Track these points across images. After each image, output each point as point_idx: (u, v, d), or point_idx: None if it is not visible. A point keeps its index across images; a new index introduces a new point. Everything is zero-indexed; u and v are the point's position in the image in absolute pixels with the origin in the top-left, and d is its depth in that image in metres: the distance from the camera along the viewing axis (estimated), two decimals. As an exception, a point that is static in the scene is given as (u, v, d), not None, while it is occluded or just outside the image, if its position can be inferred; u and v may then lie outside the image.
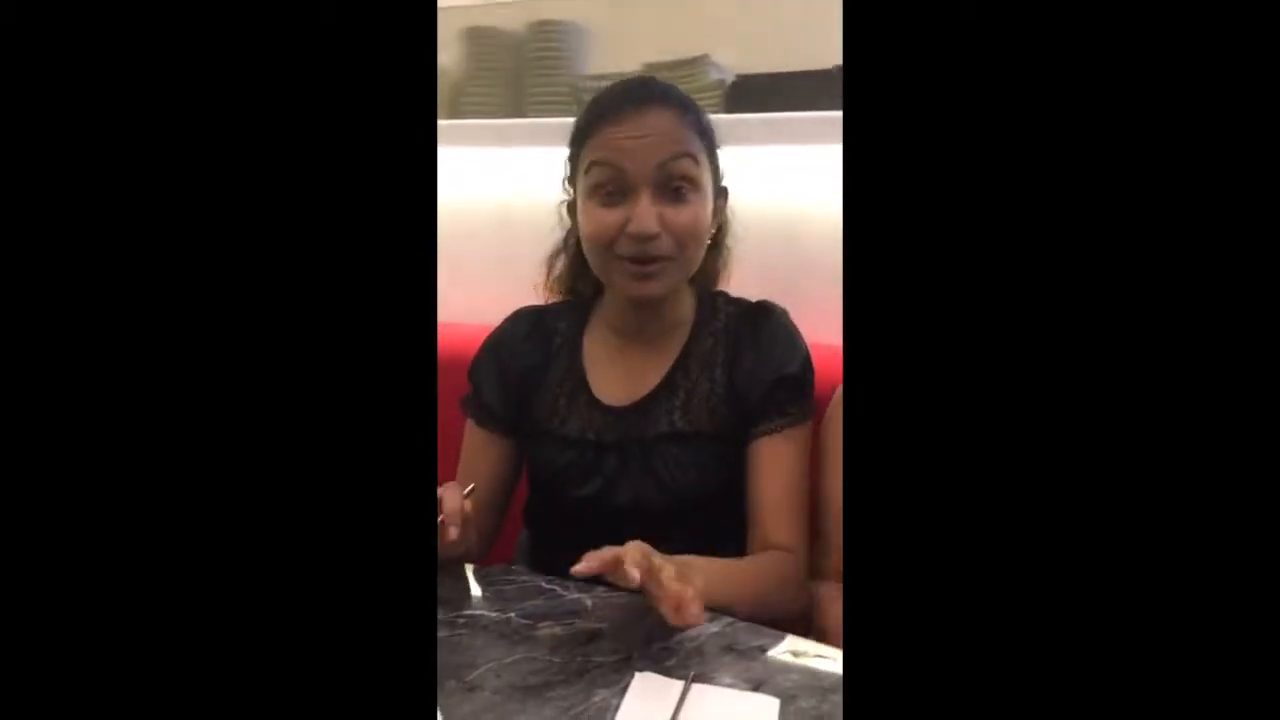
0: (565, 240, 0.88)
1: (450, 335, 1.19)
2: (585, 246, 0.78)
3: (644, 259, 0.73)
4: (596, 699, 0.51)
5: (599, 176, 0.74)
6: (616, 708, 0.50)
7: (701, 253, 0.78)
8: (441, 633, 0.58)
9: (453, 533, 0.62)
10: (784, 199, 1.16)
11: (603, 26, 1.31)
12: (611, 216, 0.73)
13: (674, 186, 0.73)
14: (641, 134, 0.72)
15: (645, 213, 0.71)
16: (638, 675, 0.53)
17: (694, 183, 0.74)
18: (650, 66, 1.22)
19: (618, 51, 1.27)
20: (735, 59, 1.18)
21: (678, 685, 0.52)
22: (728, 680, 0.53)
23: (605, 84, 1.21)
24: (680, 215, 0.73)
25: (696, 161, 0.74)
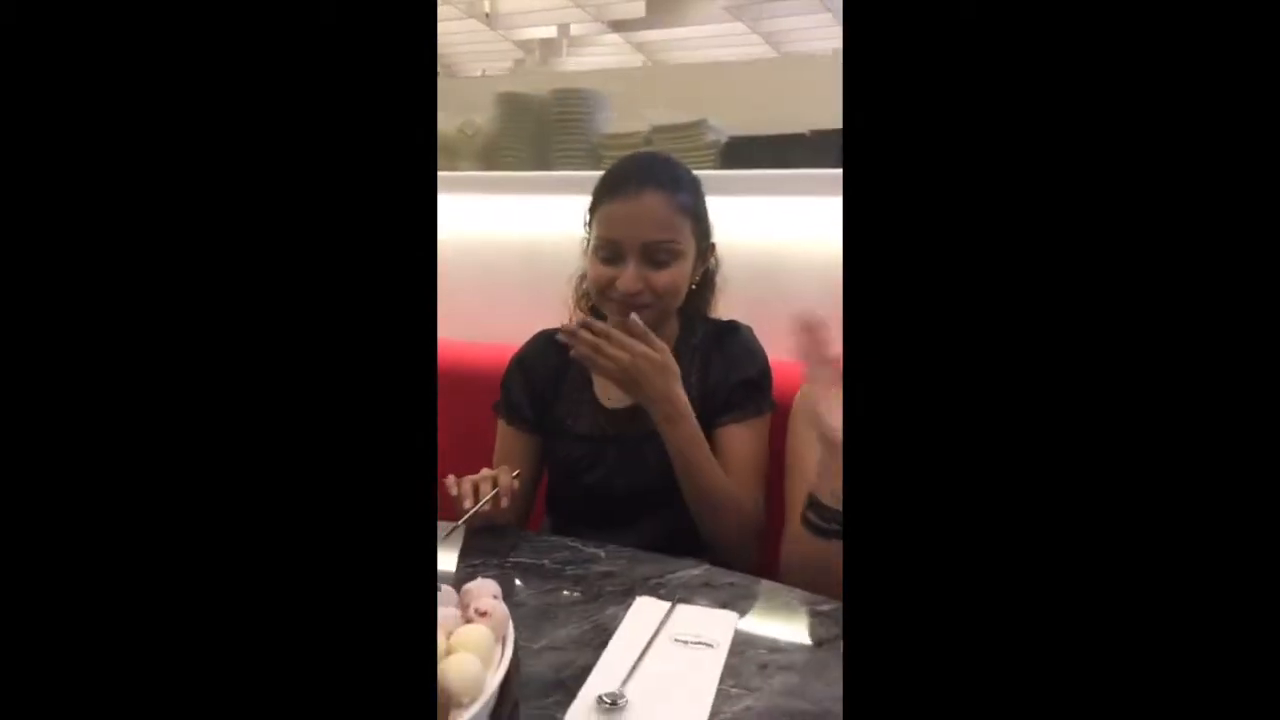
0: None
1: (483, 353, 1.40)
2: (588, 287, 0.99)
3: (629, 307, 0.93)
4: (607, 613, 0.70)
5: (600, 241, 0.95)
6: (621, 618, 0.69)
7: (678, 301, 0.97)
8: (491, 572, 0.77)
9: (504, 502, 0.83)
10: (767, 241, 1.36)
11: (616, 93, 1.53)
12: (607, 272, 0.94)
13: (657, 259, 0.93)
14: (635, 214, 0.93)
15: (631, 276, 0.92)
16: (638, 599, 0.72)
17: (674, 254, 0.94)
18: (656, 128, 1.42)
19: (629, 115, 1.48)
20: (729, 122, 1.39)
21: (665, 605, 0.71)
22: (703, 603, 0.72)
23: (618, 143, 1.44)
24: (660, 278, 0.93)
25: (678, 240, 0.94)
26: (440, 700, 0.48)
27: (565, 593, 0.74)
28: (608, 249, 0.94)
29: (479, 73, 1.91)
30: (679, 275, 0.95)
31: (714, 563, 0.81)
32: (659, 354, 0.89)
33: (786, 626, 0.71)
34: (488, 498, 0.83)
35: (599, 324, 0.89)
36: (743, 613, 0.70)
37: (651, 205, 0.93)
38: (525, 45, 2.07)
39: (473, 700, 0.49)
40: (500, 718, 0.52)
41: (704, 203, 1.01)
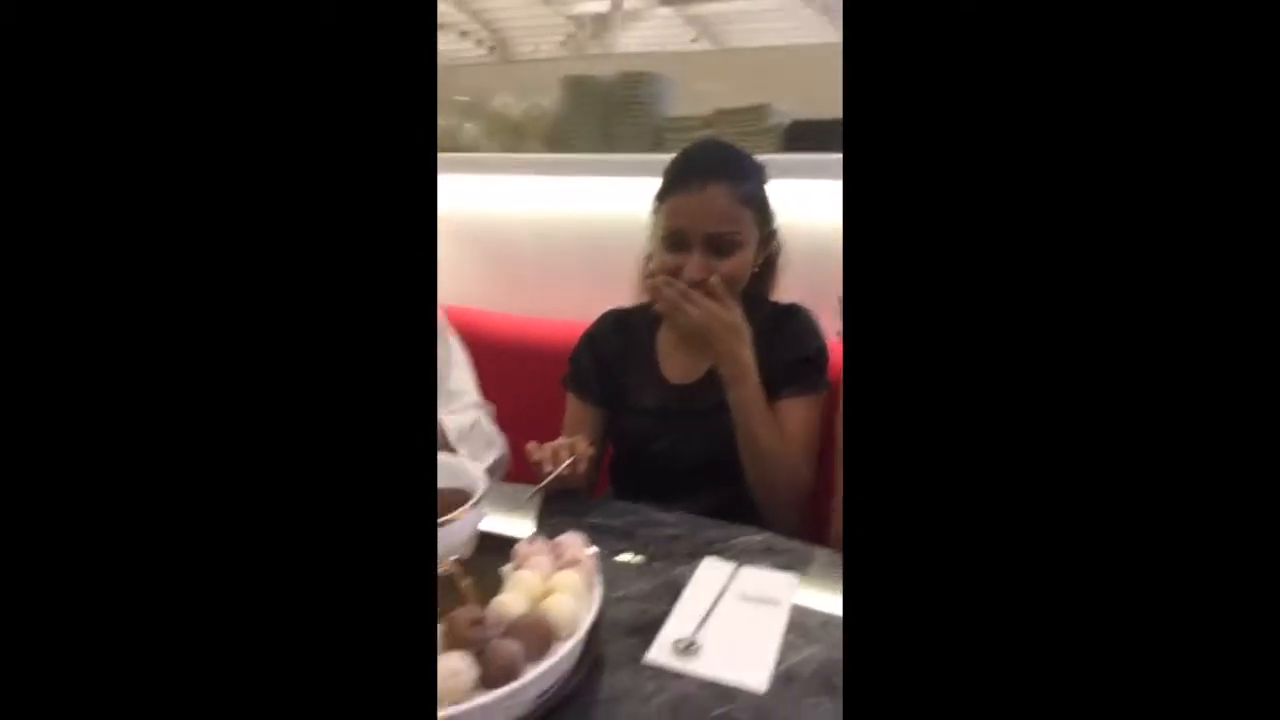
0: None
1: (548, 329, 1.47)
2: (654, 270, 1.04)
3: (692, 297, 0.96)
4: (676, 572, 0.76)
5: (666, 230, 1.00)
6: (689, 577, 0.75)
7: (740, 286, 1.01)
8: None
9: (582, 467, 0.89)
10: (828, 224, 1.38)
11: (681, 77, 1.56)
12: (674, 260, 0.99)
13: (721, 248, 0.98)
14: (700, 208, 0.98)
15: (697, 264, 0.97)
16: (705, 560, 0.78)
17: (737, 244, 0.99)
18: (720, 112, 1.45)
19: (693, 99, 1.52)
20: (792, 106, 1.42)
21: (731, 566, 0.77)
22: (766, 565, 0.77)
23: (681, 125, 1.47)
24: (723, 267, 0.98)
25: (741, 231, 0.99)
26: (541, 635, 0.55)
27: (631, 556, 0.81)
28: (674, 238, 1.00)
29: (531, 48, 1.95)
30: (742, 263, 1.00)
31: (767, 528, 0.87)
32: (732, 315, 0.95)
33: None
34: (566, 463, 0.90)
35: (680, 283, 0.95)
36: (803, 576, 0.75)
37: (715, 198, 0.98)
38: (578, 20, 2.10)
39: (570, 634, 0.56)
40: (590, 654, 0.59)
41: (765, 190, 1.05)
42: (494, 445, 1.11)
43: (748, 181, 1.02)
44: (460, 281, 1.72)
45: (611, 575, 0.75)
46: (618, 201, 1.52)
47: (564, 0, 1.83)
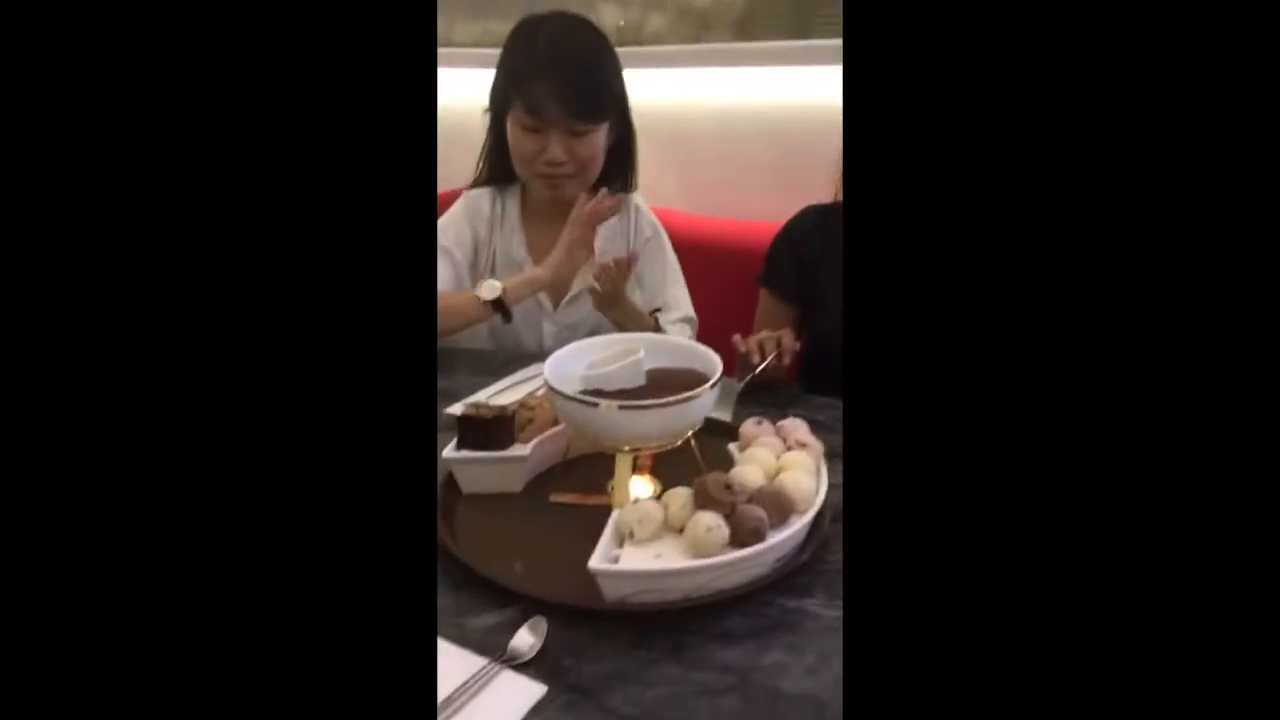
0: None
1: (731, 229, 1.47)
2: None
3: None
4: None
5: None
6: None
7: None
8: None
9: (787, 359, 0.92)
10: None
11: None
12: None
13: None
14: None
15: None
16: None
17: None
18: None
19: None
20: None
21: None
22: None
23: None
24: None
25: None
26: (782, 505, 0.58)
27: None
28: None
29: None
30: None
31: None
32: None
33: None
34: (772, 355, 0.92)
35: None
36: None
37: None
38: None
39: (808, 507, 0.59)
40: (820, 528, 0.63)
41: None
42: None
43: None
44: (648, 183, 1.74)
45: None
46: (814, 93, 1.45)
47: None
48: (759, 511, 0.56)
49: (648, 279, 1.18)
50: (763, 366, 0.91)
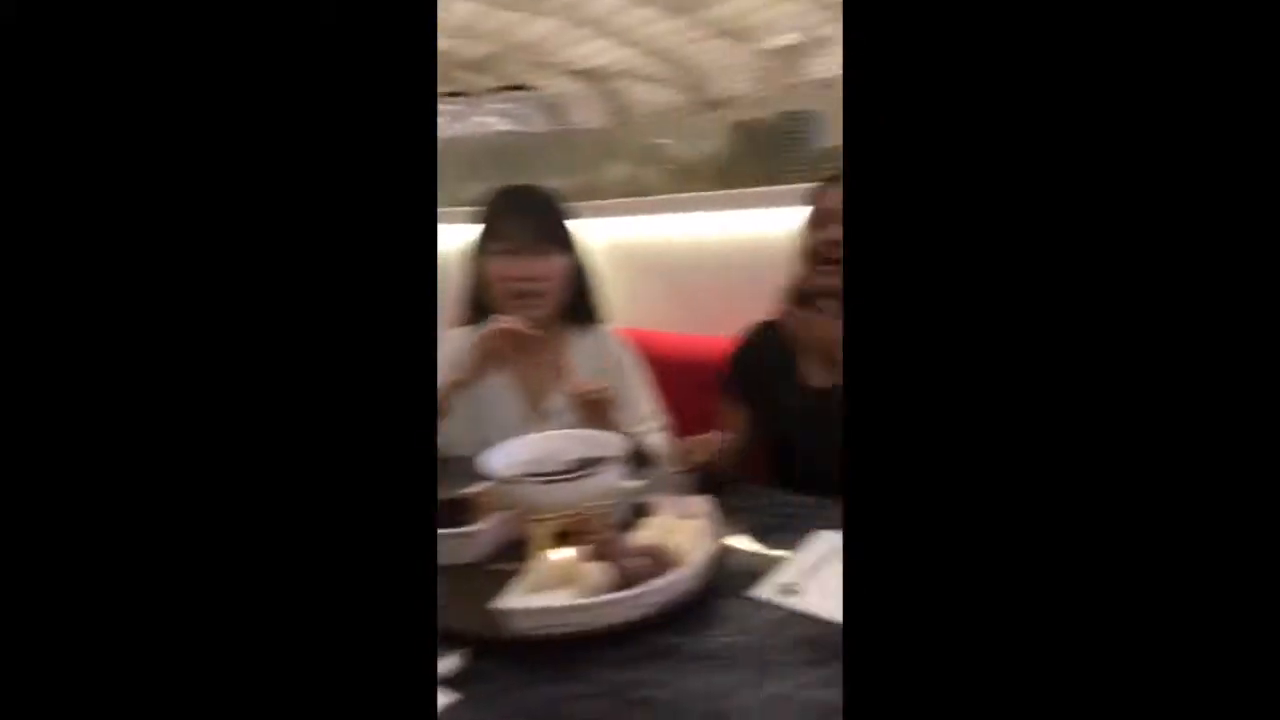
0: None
1: (711, 344, 1.64)
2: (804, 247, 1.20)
3: (835, 261, 1.15)
4: (796, 537, 0.90)
5: (815, 212, 1.19)
6: (806, 541, 0.88)
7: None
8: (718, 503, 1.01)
9: (721, 459, 1.07)
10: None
11: (835, 111, 1.69)
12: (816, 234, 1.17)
13: None
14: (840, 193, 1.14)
15: (837, 229, 1.13)
16: (822, 531, 0.91)
17: None
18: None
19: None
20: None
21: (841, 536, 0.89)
22: (875, 539, 0.88)
23: (835, 155, 1.59)
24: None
25: None
26: (663, 561, 0.72)
27: (774, 520, 0.95)
28: (819, 216, 1.18)
29: (727, 86, 2.15)
30: None
31: None
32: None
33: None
34: (711, 454, 1.07)
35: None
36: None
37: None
38: (770, 54, 2.26)
39: (687, 564, 0.73)
40: (703, 586, 0.75)
41: None
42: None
43: None
44: (644, 308, 1.96)
45: (737, 537, 0.91)
46: (781, 228, 1.66)
47: (756, 37, 1.99)
48: (643, 560, 0.70)
49: (625, 397, 1.36)
50: (697, 464, 1.06)
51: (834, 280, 1.13)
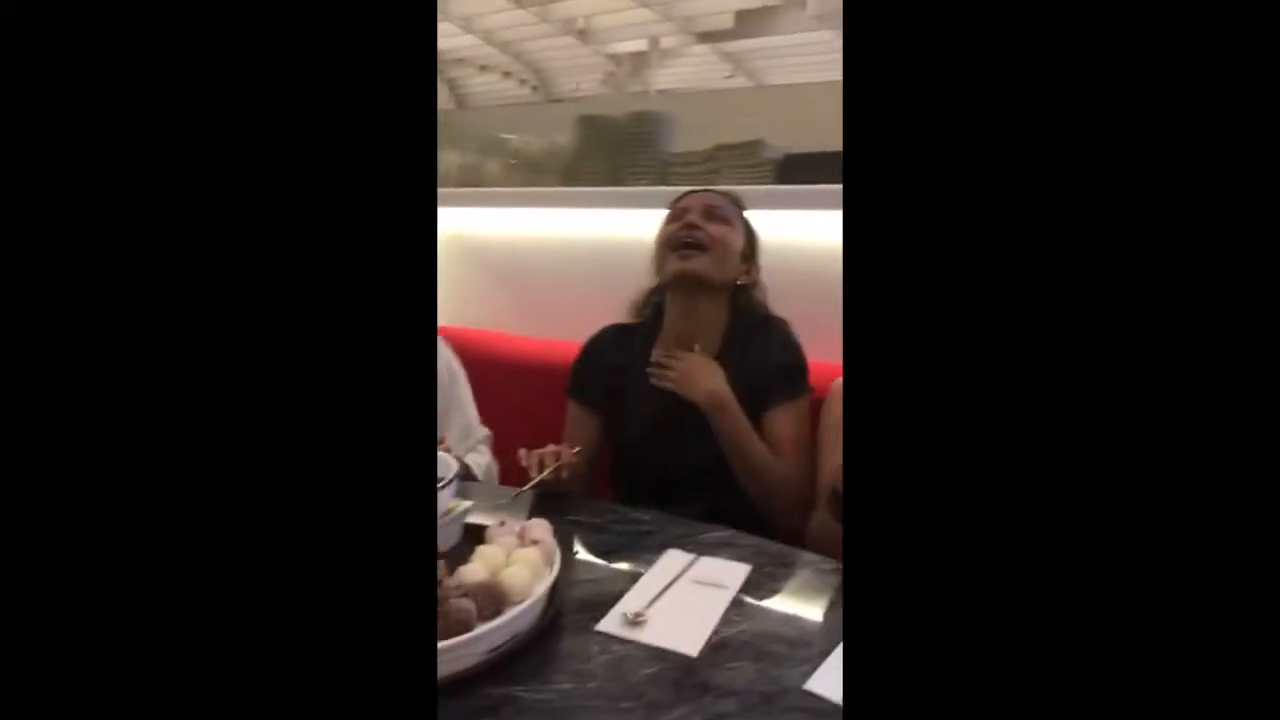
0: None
1: (551, 348, 1.57)
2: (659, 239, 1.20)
3: (693, 247, 1.14)
4: (641, 559, 0.84)
5: (672, 209, 1.21)
6: (655, 562, 0.83)
7: (728, 259, 1.16)
8: (561, 525, 0.93)
9: (565, 473, 0.99)
10: (814, 250, 1.46)
11: (685, 115, 1.67)
12: (673, 228, 1.17)
13: (714, 217, 1.16)
14: (698, 196, 1.20)
15: (696, 216, 1.16)
16: (669, 550, 0.86)
17: (726, 219, 1.17)
18: (719, 146, 1.56)
19: (696, 136, 1.63)
20: (784, 142, 1.51)
21: (690, 556, 0.84)
22: (723, 556, 0.85)
23: (685, 160, 1.58)
24: (714, 229, 1.15)
25: (728, 210, 1.18)
26: (495, 597, 0.63)
27: (613, 542, 0.89)
28: (677, 212, 1.20)
29: (573, 86, 2.09)
30: (729, 234, 1.17)
31: (765, 534, 0.94)
32: (699, 360, 1.12)
33: (794, 579, 0.83)
34: (550, 469, 0.99)
35: (659, 357, 1.15)
36: (757, 566, 0.82)
37: (711, 194, 1.22)
38: (617, 59, 2.24)
39: (523, 599, 0.64)
40: (546, 620, 0.67)
41: (754, 232, 1.22)
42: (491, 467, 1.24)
43: (736, 202, 1.22)
44: (480, 307, 1.84)
45: (581, 563, 0.83)
46: (626, 231, 1.63)
47: (604, 41, 1.97)
48: (467, 604, 0.61)
49: (451, 409, 1.25)
50: (538, 479, 0.97)
51: (690, 265, 1.13)
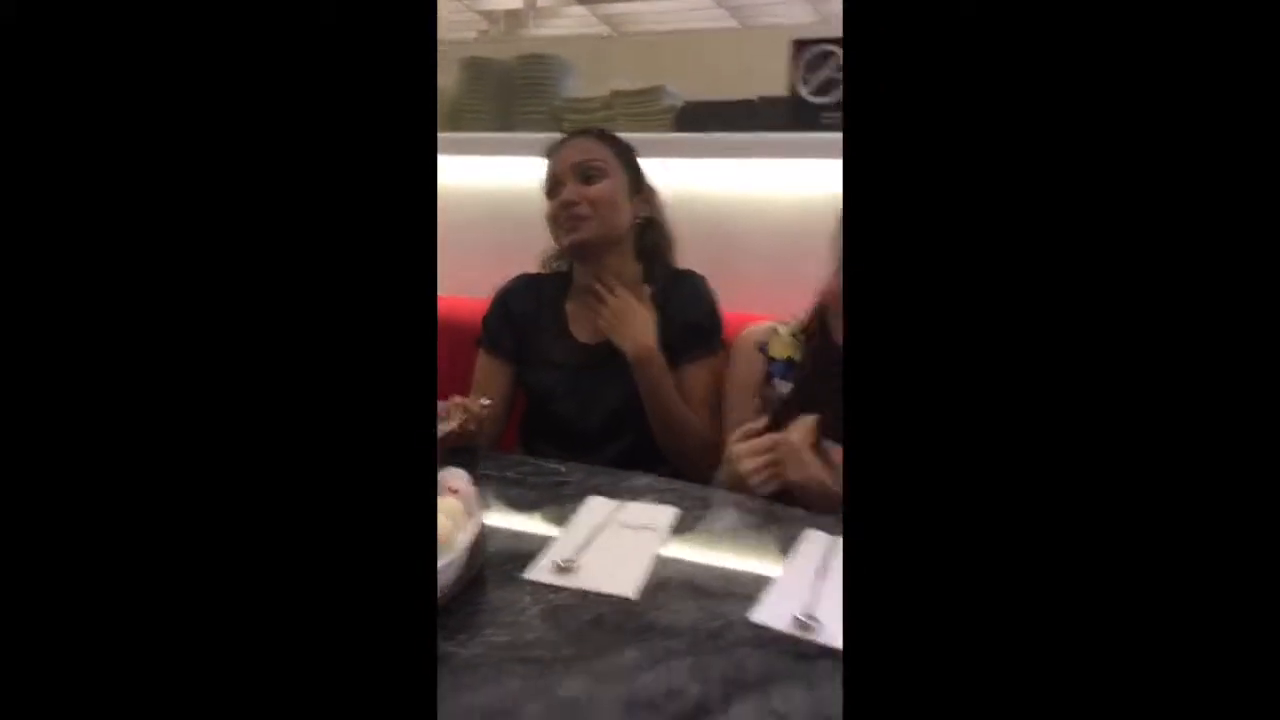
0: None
1: (449, 305, 1.48)
2: (546, 217, 1.13)
3: (573, 219, 1.08)
4: (566, 508, 0.80)
5: (546, 182, 1.12)
6: (577, 511, 0.79)
7: (616, 216, 1.11)
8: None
9: (473, 425, 0.92)
10: (719, 199, 1.46)
11: (580, 60, 1.60)
12: (554, 201, 1.10)
13: (588, 176, 1.09)
14: (566, 149, 1.12)
15: (569, 189, 1.08)
16: (590, 498, 0.82)
17: (600, 171, 1.10)
18: (616, 93, 1.50)
19: (592, 80, 1.56)
20: (685, 88, 1.48)
21: (615, 502, 0.81)
22: (649, 500, 0.82)
23: (579, 106, 1.51)
24: (591, 191, 1.09)
25: (601, 159, 1.11)
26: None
27: (530, 496, 0.84)
28: (551, 182, 1.12)
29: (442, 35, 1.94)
30: (609, 189, 1.10)
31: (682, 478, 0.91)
32: (628, 302, 1.07)
33: (722, 519, 0.82)
34: (456, 420, 0.92)
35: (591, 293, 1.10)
36: (684, 508, 0.80)
37: (578, 142, 1.14)
38: (490, 16, 2.12)
39: (448, 550, 0.58)
40: (469, 573, 0.62)
41: (634, 156, 1.16)
42: None
43: (610, 138, 1.15)
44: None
45: (498, 513, 0.78)
46: (517, 180, 1.54)
47: None
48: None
49: None
50: (447, 431, 0.90)
51: (579, 235, 1.08)
